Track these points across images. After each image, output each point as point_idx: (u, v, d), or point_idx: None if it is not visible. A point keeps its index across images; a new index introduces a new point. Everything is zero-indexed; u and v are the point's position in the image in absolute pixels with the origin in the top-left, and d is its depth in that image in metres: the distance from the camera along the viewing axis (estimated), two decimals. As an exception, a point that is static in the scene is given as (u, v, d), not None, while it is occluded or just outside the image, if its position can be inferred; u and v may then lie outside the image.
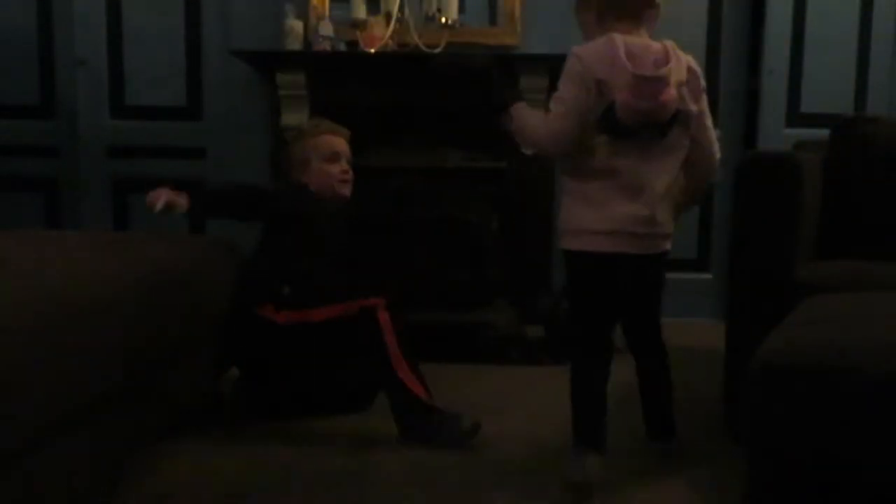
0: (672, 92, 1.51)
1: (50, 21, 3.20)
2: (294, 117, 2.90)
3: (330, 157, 2.16)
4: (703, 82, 1.62)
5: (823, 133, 2.21)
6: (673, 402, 1.76)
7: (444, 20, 2.73)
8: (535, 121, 1.69)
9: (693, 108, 1.59)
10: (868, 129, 2.05)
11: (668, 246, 1.66)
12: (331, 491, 1.62)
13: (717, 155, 1.68)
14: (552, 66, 2.87)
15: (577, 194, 1.65)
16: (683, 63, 1.57)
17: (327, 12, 3.09)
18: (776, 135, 3.14)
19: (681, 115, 1.56)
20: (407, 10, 2.77)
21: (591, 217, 1.60)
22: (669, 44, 1.58)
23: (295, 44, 2.95)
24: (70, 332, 1.19)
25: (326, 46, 2.88)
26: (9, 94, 3.23)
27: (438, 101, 2.96)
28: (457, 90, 2.91)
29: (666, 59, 1.54)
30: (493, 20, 3.18)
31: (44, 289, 1.22)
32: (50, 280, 1.28)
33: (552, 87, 2.88)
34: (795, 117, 3.18)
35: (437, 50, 2.77)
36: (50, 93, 3.23)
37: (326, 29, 2.91)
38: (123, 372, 1.40)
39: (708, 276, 3.35)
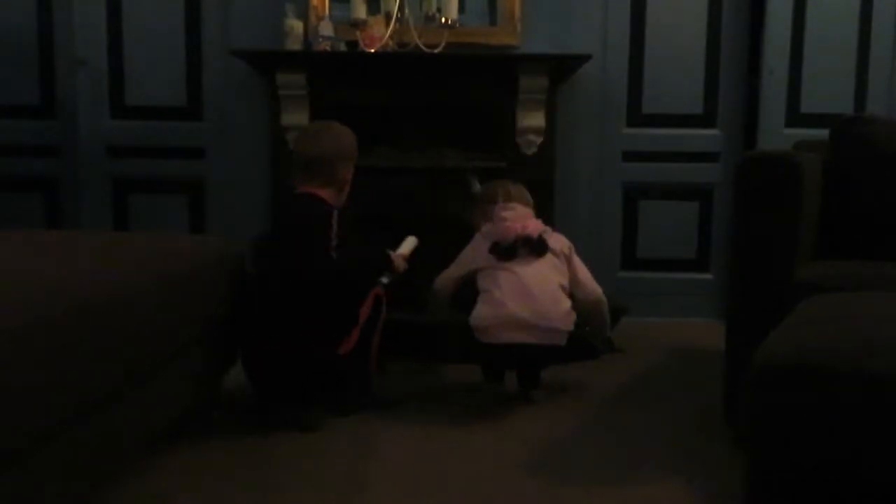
0: (530, 224, 2.19)
1: (50, 21, 3.20)
2: (294, 117, 2.91)
3: None
4: (569, 244, 2.26)
5: (823, 133, 2.21)
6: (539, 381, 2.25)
7: (444, 20, 2.73)
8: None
9: (562, 249, 2.21)
10: (868, 129, 2.05)
11: (558, 340, 2.07)
12: (331, 490, 1.62)
13: (598, 290, 2.25)
14: (552, 66, 2.88)
15: (484, 300, 2.12)
16: (543, 229, 2.23)
17: (327, 12, 3.09)
18: (776, 135, 3.14)
19: (551, 249, 2.17)
20: (407, 10, 2.77)
21: (492, 314, 2.07)
22: (538, 220, 2.27)
23: (295, 44, 2.95)
24: (70, 331, 1.19)
25: (326, 46, 2.88)
26: (9, 94, 3.22)
27: (438, 101, 2.97)
28: (457, 90, 2.93)
29: (528, 216, 2.24)
30: (493, 20, 3.18)
31: (44, 289, 1.22)
32: (50, 280, 1.28)
33: (552, 87, 2.92)
34: (795, 117, 3.18)
35: (437, 50, 2.77)
36: (50, 93, 3.23)
37: (326, 29, 2.91)
38: (124, 371, 1.40)
39: (708, 276, 3.35)
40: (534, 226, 2.21)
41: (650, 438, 1.93)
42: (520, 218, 2.21)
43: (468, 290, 2.22)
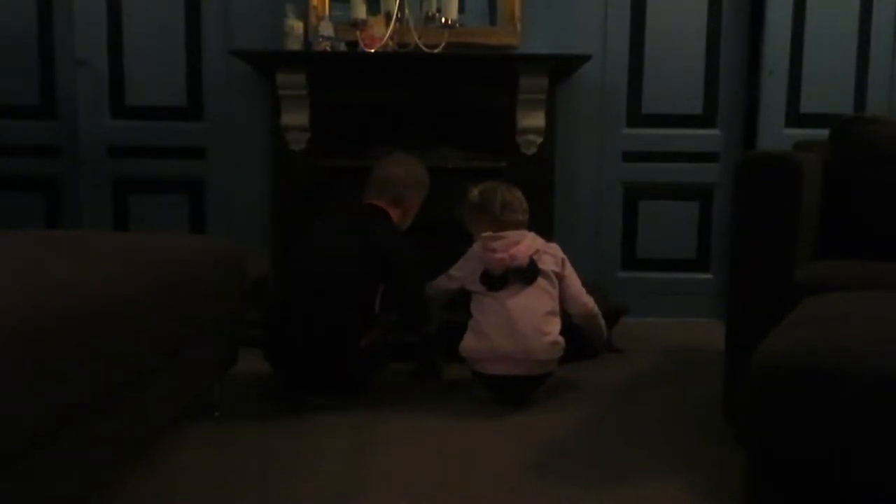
0: (519, 249, 2.17)
1: (50, 21, 3.20)
2: (294, 117, 2.91)
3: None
4: (562, 256, 2.27)
5: (823, 133, 2.21)
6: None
7: (444, 20, 2.73)
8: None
9: (554, 269, 2.22)
10: (868, 129, 2.05)
11: (541, 370, 2.16)
12: (330, 489, 1.62)
13: (589, 304, 2.30)
14: (552, 66, 2.88)
15: (473, 328, 2.19)
16: (537, 245, 2.23)
17: (327, 12, 3.09)
18: (776, 135, 3.14)
19: (542, 272, 2.18)
20: (407, 10, 2.77)
21: (479, 347, 2.16)
22: (530, 234, 2.25)
23: (295, 44, 2.95)
24: (70, 332, 1.19)
25: (326, 46, 2.88)
26: (9, 94, 3.23)
27: (438, 101, 2.97)
28: (457, 90, 2.93)
29: (519, 241, 2.20)
30: (493, 20, 3.18)
31: (44, 289, 1.22)
32: (51, 280, 1.28)
33: (552, 87, 2.92)
34: (795, 117, 3.18)
35: (437, 50, 2.77)
36: (50, 93, 3.23)
37: (326, 29, 2.91)
38: (124, 372, 1.40)
39: (708, 276, 3.36)
40: (524, 250, 2.19)
41: (650, 438, 1.93)
42: (509, 246, 2.19)
43: (465, 293, 2.28)
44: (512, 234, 2.22)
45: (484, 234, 2.24)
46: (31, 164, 3.26)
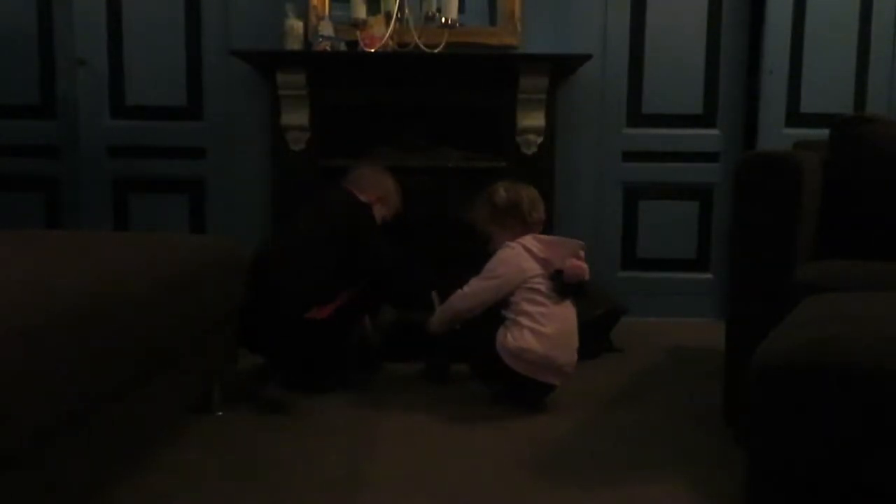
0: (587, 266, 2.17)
1: (50, 21, 3.20)
2: (294, 117, 2.91)
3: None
4: None
5: (823, 133, 2.21)
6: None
7: (444, 20, 2.72)
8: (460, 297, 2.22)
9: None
10: (868, 129, 2.05)
11: (562, 380, 2.17)
12: (330, 489, 1.62)
13: None
14: (552, 66, 2.88)
15: (533, 330, 2.08)
16: None
17: (327, 12, 3.09)
18: (776, 135, 3.14)
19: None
20: (407, 10, 2.77)
21: (538, 350, 2.06)
22: None
23: (295, 44, 2.95)
24: (71, 331, 1.19)
25: (326, 46, 2.88)
26: (9, 94, 3.22)
27: (438, 101, 2.97)
28: (457, 90, 2.93)
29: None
30: (493, 20, 3.18)
31: (45, 289, 1.22)
32: (51, 280, 1.28)
33: (552, 87, 2.92)
34: (795, 117, 3.18)
35: (437, 50, 2.77)
36: (50, 93, 3.23)
37: (326, 29, 2.91)
38: (124, 371, 1.40)
39: (708, 276, 3.36)
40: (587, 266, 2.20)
41: (650, 438, 1.93)
42: (583, 259, 2.19)
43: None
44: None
45: (569, 240, 2.21)
46: (31, 164, 3.25)
